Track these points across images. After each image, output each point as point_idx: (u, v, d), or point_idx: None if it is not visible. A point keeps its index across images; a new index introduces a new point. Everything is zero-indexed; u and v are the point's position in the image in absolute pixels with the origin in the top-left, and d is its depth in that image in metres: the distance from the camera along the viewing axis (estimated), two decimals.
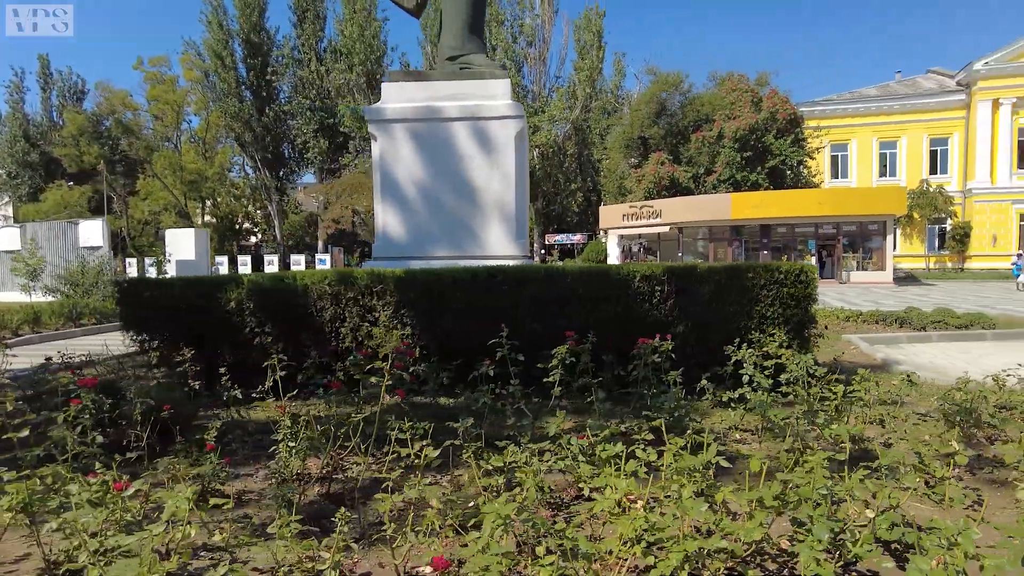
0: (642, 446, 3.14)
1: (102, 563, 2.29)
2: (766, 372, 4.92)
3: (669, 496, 2.61)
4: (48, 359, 5.97)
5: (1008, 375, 5.18)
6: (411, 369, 4.72)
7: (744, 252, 34.84)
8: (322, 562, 2.50)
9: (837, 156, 40.76)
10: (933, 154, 39.08)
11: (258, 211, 57.64)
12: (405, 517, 2.84)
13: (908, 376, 5.13)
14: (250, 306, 5.80)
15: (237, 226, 56.36)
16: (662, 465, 2.81)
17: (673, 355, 4.84)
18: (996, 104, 36.92)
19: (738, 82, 38.18)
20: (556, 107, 42.43)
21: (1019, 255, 29.02)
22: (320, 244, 52.33)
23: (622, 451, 3.01)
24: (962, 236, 37.25)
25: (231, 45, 48.00)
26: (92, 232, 21.98)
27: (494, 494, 3.07)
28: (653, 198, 36.19)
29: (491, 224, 7.80)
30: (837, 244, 32.29)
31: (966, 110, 38.10)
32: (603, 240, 41.53)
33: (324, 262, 39.11)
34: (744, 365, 4.90)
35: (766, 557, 2.65)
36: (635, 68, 79.81)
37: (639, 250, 38.02)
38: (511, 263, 7.16)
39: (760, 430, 4.53)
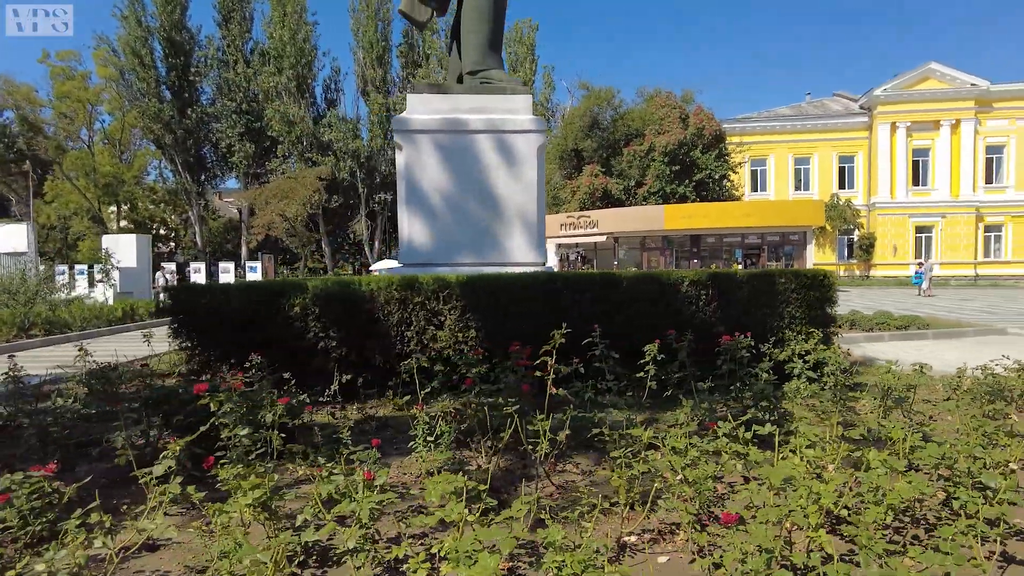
0: (777, 426, 3.59)
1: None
2: (807, 366, 5.53)
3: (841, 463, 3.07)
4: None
5: (996, 365, 6.02)
6: (475, 371, 4.99)
7: (675, 261, 36.55)
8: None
9: (756, 171, 43.39)
10: (842, 170, 42.34)
11: (174, 216, 55.05)
12: (601, 492, 3.15)
13: (920, 367, 5.88)
14: (315, 311, 5.89)
15: (154, 232, 53.56)
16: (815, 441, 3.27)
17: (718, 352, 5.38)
18: (894, 127, 40.48)
19: (666, 99, 40.06)
20: None
21: (919, 264, 31.93)
22: (244, 251, 50.57)
23: (774, 431, 3.45)
24: (868, 246, 40.51)
25: (150, 43, 45.77)
26: (13, 237, 20.58)
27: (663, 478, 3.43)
28: (587, 209, 37.40)
29: (513, 233, 8.13)
30: (762, 253, 34.43)
31: (869, 131, 41.55)
32: None
33: (255, 270, 37.85)
34: (793, 361, 5.49)
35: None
36: (567, 82, 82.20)
37: (576, 258, 39.10)
38: (531, 269, 7.54)
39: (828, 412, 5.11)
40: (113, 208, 50.72)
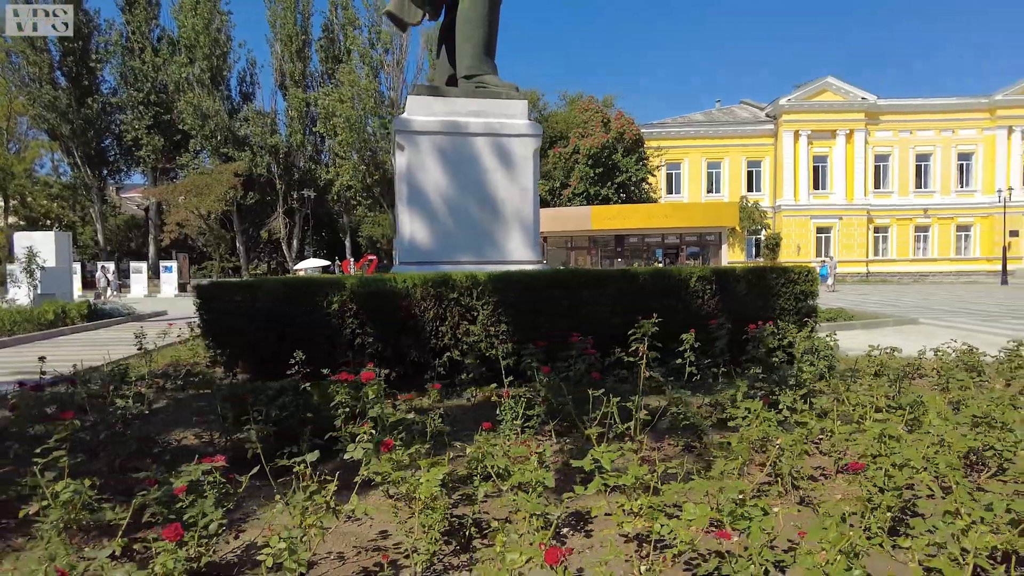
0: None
1: None
2: (805, 352, 6.24)
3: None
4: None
5: (949, 348, 6.98)
6: (505, 362, 5.37)
7: (600, 260, 37.92)
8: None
9: (672, 174, 45.53)
10: (750, 174, 45.15)
11: (72, 214, 51.27)
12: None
13: (892, 350, 6.76)
14: (352, 308, 6.03)
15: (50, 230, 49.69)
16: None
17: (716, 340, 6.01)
18: (797, 135, 43.64)
19: (588, 103, 41.38)
20: None
21: (823, 261, 34.70)
22: (153, 250, 47.89)
23: (826, 402, 4.03)
24: (774, 245, 43.45)
25: None
26: None
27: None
28: None
29: (512, 233, 8.49)
30: (681, 252, 36.30)
31: (774, 138, 44.56)
32: None
33: (170, 270, 35.96)
34: (795, 346, 6.19)
35: None
36: None
37: None
38: (529, 267, 7.94)
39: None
40: (0, 203, 46.62)
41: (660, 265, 36.32)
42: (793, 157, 43.72)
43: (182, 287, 36.40)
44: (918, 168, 44.22)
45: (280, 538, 2.47)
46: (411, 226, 8.30)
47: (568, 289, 6.45)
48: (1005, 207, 39.54)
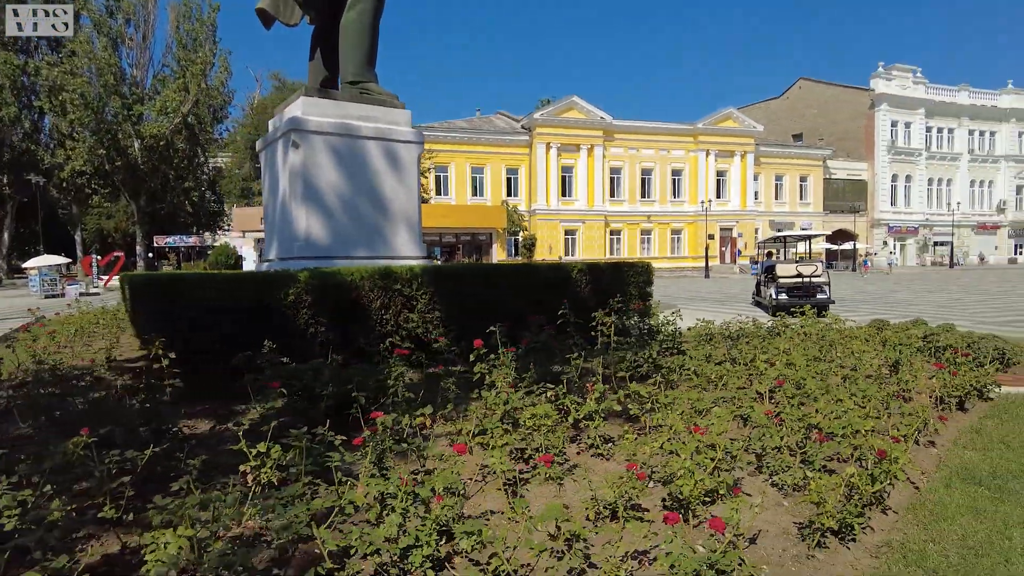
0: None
1: None
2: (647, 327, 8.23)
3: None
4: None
5: (729, 322, 9.57)
6: (436, 345, 6.48)
7: None
8: None
9: (440, 176, 47.70)
10: (509, 180, 49.28)
11: None
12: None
13: (707, 322, 9.10)
14: (307, 300, 6.46)
15: None
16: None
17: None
18: (548, 146, 48.80)
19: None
20: (170, 98, 39.00)
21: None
22: None
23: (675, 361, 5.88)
24: (530, 245, 48.05)
25: None
26: None
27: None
28: None
29: (400, 231, 9.28)
30: (457, 251, 38.54)
31: (529, 148, 49.22)
32: (232, 244, 39.98)
33: None
34: (651, 319, 8.12)
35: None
36: (255, 71, 78.23)
37: None
38: (415, 263, 8.91)
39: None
40: None
41: (438, 262, 38.28)
42: (545, 166, 48.78)
43: None
44: (643, 181, 52.47)
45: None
46: (307, 222, 8.63)
47: (489, 280, 7.59)
48: (707, 215, 49.01)
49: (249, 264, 37.96)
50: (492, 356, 5.13)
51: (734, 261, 52.96)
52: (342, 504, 2.82)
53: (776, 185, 57.54)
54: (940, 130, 63.13)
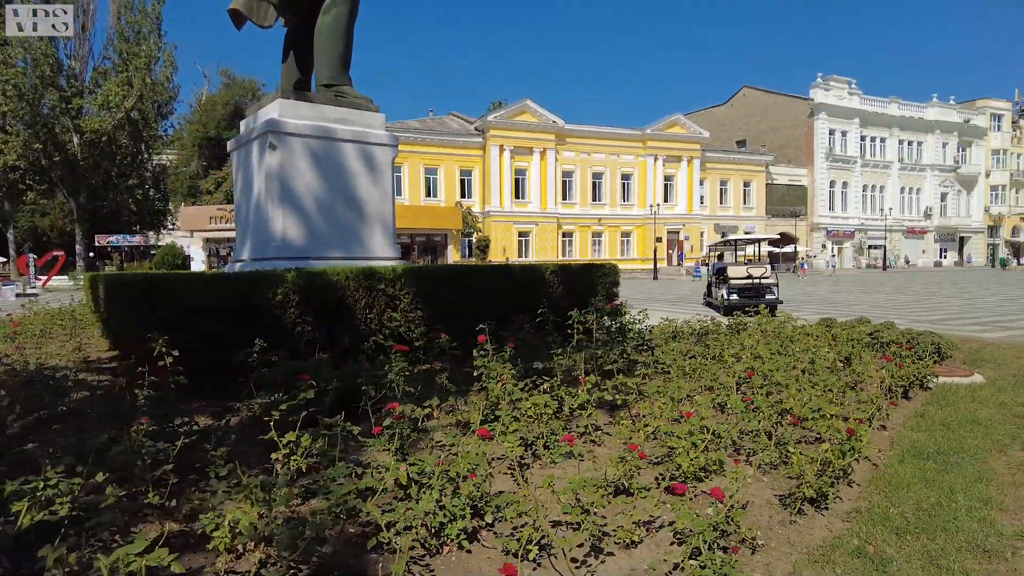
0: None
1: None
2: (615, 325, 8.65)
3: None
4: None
5: (689, 321, 10.10)
6: (419, 343, 6.77)
7: None
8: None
9: (394, 176, 47.46)
10: (463, 182, 49.46)
11: None
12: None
13: (668, 320, 9.58)
14: (295, 299, 6.60)
15: None
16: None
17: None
18: (502, 149, 49.21)
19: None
20: (113, 92, 37.70)
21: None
22: None
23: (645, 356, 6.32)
24: (484, 246, 48.35)
25: None
26: None
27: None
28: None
29: (374, 232, 9.44)
30: (413, 252, 38.50)
31: (483, 150, 49.51)
32: (179, 244, 38.90)
33: None
34: (621, 318, 8.53)
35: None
36: (203, 66, 76.81)
37: (228, 253, 37.31)
38: (390, 263, 9.12)
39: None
40: None
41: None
42: (499, 169, 49.17)
43: None
44: (594, 184, 53.46)
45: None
46: (283, 223, 8.71)
47: (467, 281, 7.86)
48: (655, 219, 50.30)
49: (197, 265, 37.05)
50: (483, 353, 5.42)
51: (680, 264, 54.47)
52: (385, 485, 3.07)
53: (721, 190, 59.46)
54: (874, 139, 66.45)
